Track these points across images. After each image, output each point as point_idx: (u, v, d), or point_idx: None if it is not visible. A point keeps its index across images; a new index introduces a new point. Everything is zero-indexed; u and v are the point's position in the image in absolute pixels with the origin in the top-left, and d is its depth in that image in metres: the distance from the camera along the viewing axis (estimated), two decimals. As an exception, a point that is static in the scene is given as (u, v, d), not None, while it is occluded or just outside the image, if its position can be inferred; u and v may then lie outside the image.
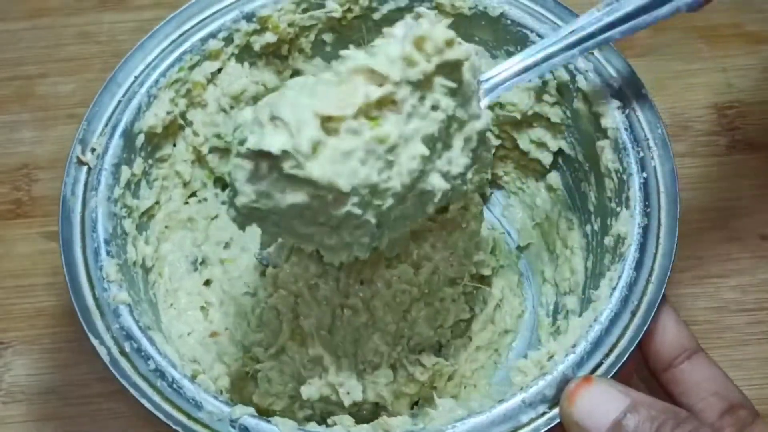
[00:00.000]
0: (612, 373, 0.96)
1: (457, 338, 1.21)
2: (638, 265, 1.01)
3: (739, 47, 1.46)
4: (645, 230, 1.03)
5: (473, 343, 1.21)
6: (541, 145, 1.23)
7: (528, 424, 0.95)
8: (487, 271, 1.21)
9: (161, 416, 0.95)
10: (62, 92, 1.46)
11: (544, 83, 1.18)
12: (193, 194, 1.23)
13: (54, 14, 1.53)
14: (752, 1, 1.49)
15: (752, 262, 1.31)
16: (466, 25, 1.21)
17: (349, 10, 1.22)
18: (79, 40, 1.51)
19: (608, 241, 1.08)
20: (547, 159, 1.23)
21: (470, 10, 1.20)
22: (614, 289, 1.00)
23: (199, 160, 1.22)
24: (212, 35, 1.18)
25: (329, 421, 1.07)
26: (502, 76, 1.03)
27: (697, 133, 1.39)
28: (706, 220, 1.32)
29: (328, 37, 1.26)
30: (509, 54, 1.20)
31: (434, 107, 0.90)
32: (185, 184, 1.21)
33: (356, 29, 1.25)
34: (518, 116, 1.21)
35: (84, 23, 1.52)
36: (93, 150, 1.09)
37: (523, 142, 1.24)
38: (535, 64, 1.04)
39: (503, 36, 1.19)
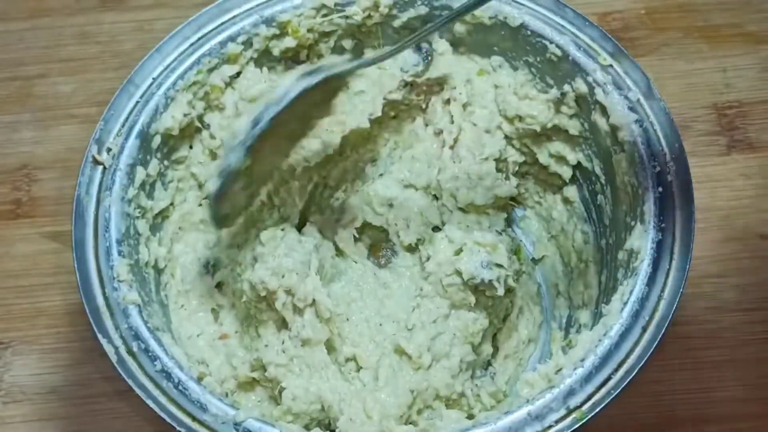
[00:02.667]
0: (621, 388, 0.95)
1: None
2: (651, 280, 1.01)
3: (739, 47, 1.45)
4: (659, 245, 1.02)
5: (501, 352, 1.21)
6: (561, 158, 1.22)
7: (534, 437, 0.95)
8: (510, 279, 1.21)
9: (166, 417, 0.96)
10: (62, 92, 1.46)
11: (563, 94, 1.17)
12: (207, 197, 1.23)
13: (54, 14, 1.53)
14: (752, 1, 1.49)
15: (752, 262, 1.31)
16: (485, 34, 1.22)
17: (369, 16, 1.22)
18: (79, 40, 1.51)
19: (622, 255, 1.08)
20: (566, 173, 1.23)
21: (490, 20, 1.19)
22: (625, 303, 1.00)
23: None
24: (231, 39, 1.18)
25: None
26: None
27: (697, 133, 1.39)
28: (706, 220, 1.32)
29: (347, 43, 1.26)
30: (529, 65, 1.21)
31: None
32: (200, 186, 1.21)
33: (375, 36, 1.25)
34: (538, 129, 1.20)
35: (84, 23, 1.52)
36: (109, 150, 1.10)
37: (543, 156, 1.23)
38: None
39: (523, 46, 1.19)
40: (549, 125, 1.20)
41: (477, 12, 1.19)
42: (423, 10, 1.22)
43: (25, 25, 1.52)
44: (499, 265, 1.11)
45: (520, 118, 1.21)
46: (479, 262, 1.10)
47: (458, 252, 1.12)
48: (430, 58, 1.22)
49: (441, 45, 1.23)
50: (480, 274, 1.10)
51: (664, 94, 1.10)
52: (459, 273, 1.11)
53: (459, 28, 1.21)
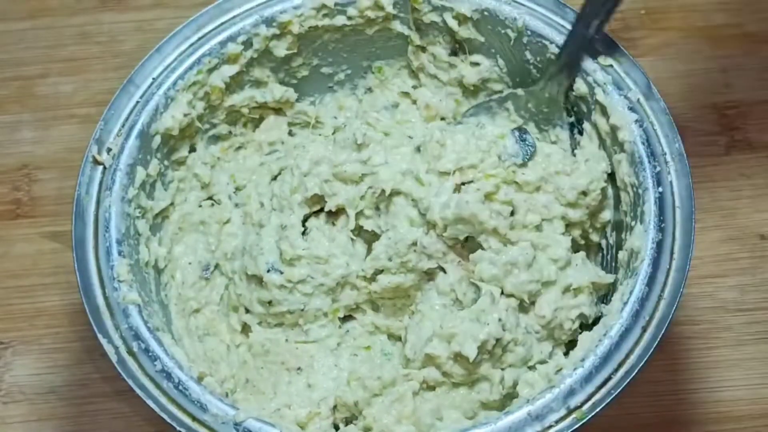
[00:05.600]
0: (621, 388, 0.95)
1: None
2: (651, 280, 1.00)
3: (739, 47, 1.46)
4: (659, 245, 1.02)
5: None
6: None
7: (534, 437, 0.95)
8: None
9: (166, 417, 0.95)
10: (62, 92, 1.47)
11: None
12: (210, 198, 1.23)
13: (54, 14, 1.54)
14: (752, 1, 1.49)
15: (752, 262, 1.31)
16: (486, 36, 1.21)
17: (369, 17, 1.22)
18: (79, 40, 1.52)
19: (622, 255, 1.08)
20: None
21: (487, 21, 1.19)
22: (625, 303, 0.99)
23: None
24: (231, 39, 1.18)
25: None
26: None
27: (697, 133, 1.39)
28: (706, 220, 1.32)
29: (346, 44, 1.26)
30: (528, 64, 1.20)
31: None
32: (203, 187, 1.22)
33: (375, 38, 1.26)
34: None
35: (84, 23, 1.53)
36: (109, 150, 1.09)
37: None
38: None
39: (522, 47, 1.19)
40: None
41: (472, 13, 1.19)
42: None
43: (25, 25, 1.53)
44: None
45: None
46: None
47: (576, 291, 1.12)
48: (533, 150, 1.15)
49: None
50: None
51: (664, 94, 1.10)
52: (583, 316, 1.11)
53: (462, 31, 1.21)
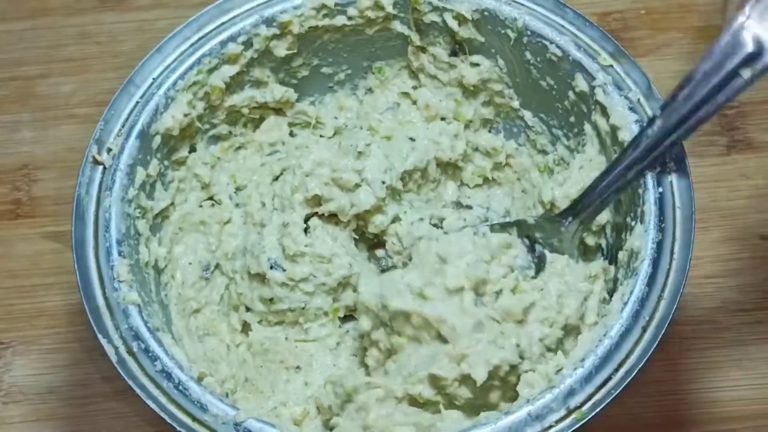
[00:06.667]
0: (621, 388, 0.95)
1: None
2: (651, 280, 1.00)
3: (739, 47, 1.46)
4: (659, 245, 1.02)
5: None
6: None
7: (534, 437, 0.94)
8: None
9: (166, 417, 0.95)
10: (62, 92, 1.47)
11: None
12: (211, 198, 1.24)
13: (54, 14, 1.54)
14: (752, 2, 1.49)
15: (752, 262, 1.30)
16: (487, 36, 1.21)
17: (369, 17, 1.22)
18: (79, 40, 1.52)
19: (622, 255, 1.08)
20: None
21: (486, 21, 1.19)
22: (625, 303, 0.99)
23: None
24: (231, 39, 1.18)
25: None
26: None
27: (697, 133, 1.39)
28: (706, 220, 1.32)
29: (346, 44, 1.26)
30: (528, 64, 1.20)
31: None
32: (203, 187, 1.22)
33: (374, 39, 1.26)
34: None
35: (84, 23, 1.53)
36: (109, 150, 1.09)
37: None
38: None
39: (522, 47, 1.19)
40: None
41: (472, 13, 1.19)
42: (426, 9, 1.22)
43: (25, 25, 1.53)
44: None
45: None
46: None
47: None
48: (543, 265, 1.11)
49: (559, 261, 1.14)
50: None
51: (664, 94, 1.10)
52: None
53: (462, 32, 1.22)
